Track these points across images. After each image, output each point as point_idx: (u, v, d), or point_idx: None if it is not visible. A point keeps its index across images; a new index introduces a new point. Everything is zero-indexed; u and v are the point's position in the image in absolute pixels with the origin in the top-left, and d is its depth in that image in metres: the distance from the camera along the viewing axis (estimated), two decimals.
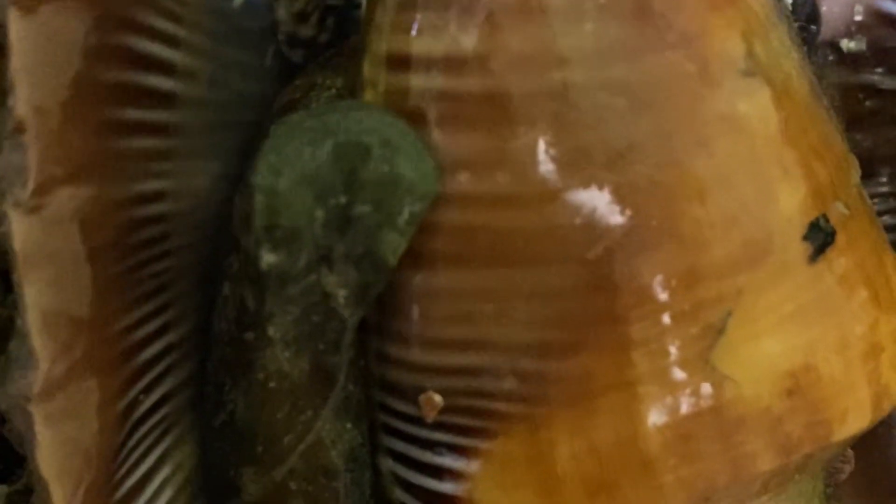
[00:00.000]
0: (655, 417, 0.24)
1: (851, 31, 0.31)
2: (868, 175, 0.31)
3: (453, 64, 0.24)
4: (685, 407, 0.25)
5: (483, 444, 0.25)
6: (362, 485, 0.26)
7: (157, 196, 0.26)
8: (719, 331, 0.25)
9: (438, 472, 0.26)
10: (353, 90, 0.26)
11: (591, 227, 0.24)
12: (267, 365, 0.24)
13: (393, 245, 0.23)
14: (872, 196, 0.31)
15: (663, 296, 0.24)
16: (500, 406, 0.25)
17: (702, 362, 0.25)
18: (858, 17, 0.31)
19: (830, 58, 0.32)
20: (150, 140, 0.25)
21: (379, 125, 0.23)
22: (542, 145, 0.24)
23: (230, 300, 0.25)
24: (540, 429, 0.25)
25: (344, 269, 0.23)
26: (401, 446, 0.26)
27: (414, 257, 0.25)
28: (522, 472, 0.25)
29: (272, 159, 0.23)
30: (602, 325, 0.24)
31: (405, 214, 0.23)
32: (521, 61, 0.24)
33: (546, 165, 0.24)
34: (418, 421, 0.26)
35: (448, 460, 0.26)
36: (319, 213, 0.23)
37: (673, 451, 0.25)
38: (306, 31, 0.29)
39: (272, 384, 0.24)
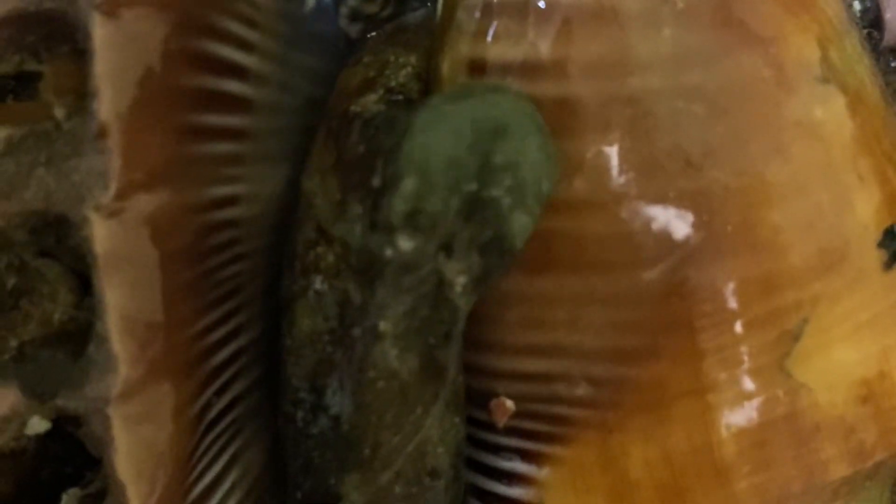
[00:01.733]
0: (730, 424, 0.24)
1: None
2: None
3: (531, 70, 0.25)
4: (760, 414, 0.25)
5: (554, 450, 0.25)
6: (461, 480, 0.26)
7: (231, 200, 0.26)
8: (795, 338, 0.24)
9: (508, 478, 0.26)
10: (427, 69, 0.26)
11: (667, 233, 0.24)
12: (377, 363, 0.24)
13: (523, 228, 0.23)
14: None
15: (739, 303, 0.24)
16: (573, 412, 0.25)
17: (777, 370, 0.24)
18: None
19: (894, 64, 0.32)
20: (224, 145, 0.25)
21: (513, 107, 0.23)
22: (618, 151, 0.24)
23: (327, 296, 0.24)
24: (613, 435, 0.25)
25: (466, 255, 0.23)
26: (471, 451, 0.26)
27: None
28: (594, 478, 0.25)
29: (421, 143, 0.22)
30: (677, 333, 0.24)
31: (535, 197, 0.23)
32: (597, 68, 0.24)
33: (622, 171, 0.24)
34: (489, 426, 0.26)
35: (518, 466, 0.26)
36: (455, 200, 0.22)
37: (747, 458, 0.24)
38: (371, 8, 0.29)
39: (381, 383, 0.24)
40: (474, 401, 0.26)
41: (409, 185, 0.22)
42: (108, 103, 0.22)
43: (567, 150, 0.24)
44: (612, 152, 0.24)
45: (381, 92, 0.25)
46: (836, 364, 0.25)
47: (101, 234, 0.23)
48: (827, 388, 0.25)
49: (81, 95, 0.23)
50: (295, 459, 0.26)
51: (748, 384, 0.24)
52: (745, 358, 0.24)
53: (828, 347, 0.25)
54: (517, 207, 0.22)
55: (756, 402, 0.24)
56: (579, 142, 0.24)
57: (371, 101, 0.25)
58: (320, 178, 0.24)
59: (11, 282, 0.25)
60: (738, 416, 0.24)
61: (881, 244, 0.25)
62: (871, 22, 0.31)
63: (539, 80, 0.24)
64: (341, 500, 0.25)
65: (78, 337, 0.24)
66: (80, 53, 0.23)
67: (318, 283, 0.25)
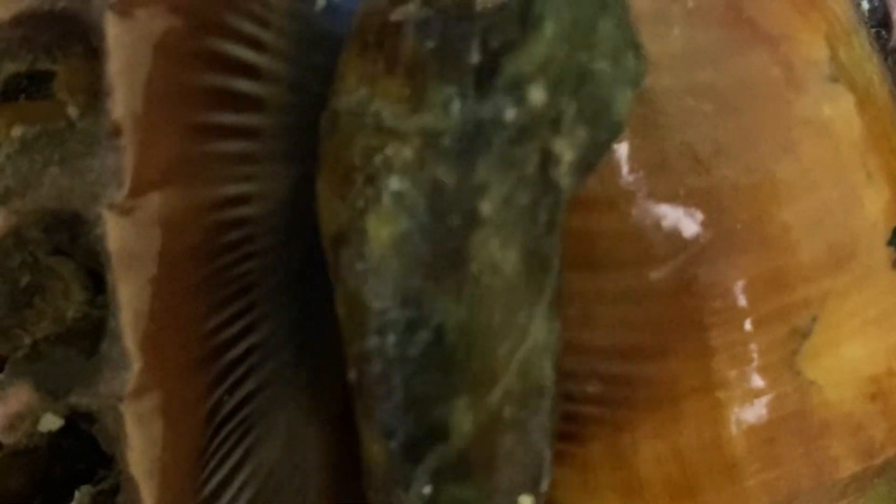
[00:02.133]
0: (740, 421, 0.25)
1: None
2: None
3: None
4: (769, 411, 0.25)
5: (566, 448, 0.25)
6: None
7: (244, 199, 0.26)
8: (805, 335, 0.25)
9: None
10: None
11: (677, 230, 0.24)
12: (478, 254, 0.22)
13: (626, 102, 0.21)
14: None
15: (749, 300, 0.24)
16: (584, 409, 0.25)
17: (786, 367, 0.25)
18: None
19: None
20: (237, 143, 0.25)
21: None
22: (628, 149, 0.24)
23: (410, 192, 0.22)
24: (623, 432, 0.25)
25: (572, 129, 0.21)
26: None
27: None
28: (605, 476, 0.25)
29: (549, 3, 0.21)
30: (687, 329, 0.24)
31: (636, 71, 0.22)
32: None
33: (632, 169, 0.24)
34: None
35: None
36: (573, 64, 0.21)
37: (757, 455, 0.25)
38: None
39: (485, 278, 0.22)
40: None
41: (549, 28, 0.21)
42: (121, 102, 0.23)
43: None
44: (623, 150, 0.24)
45: (418, 2, 0.24)
46: (845, 361, 0.25)
47: (115, 232, 0.23)
48: (836, 385, 0.25)
49: (95, 94, 0.24)
50: (387, 401, 0.23)
51: (758, 381, 0.25)
52: (755, 355, 0.25)
53: (837, 344, 0.25)
54: (621, 81, 0.21)
55: (765, 399, 0.25)
56: None
57: (411, 10, 0.24)
58: (369, 87, 0.23)
59: (25, 280, 0.25)
60: (748, 413, 0.25)
61: (891, 242, 0.25)
62: (880, 21, 0.32)
63: None
64: (450, 433, 0.22)
65: (91, 334, 0.24)
66: (94, 53, 0.24)
67: (396, 183, 0.22)
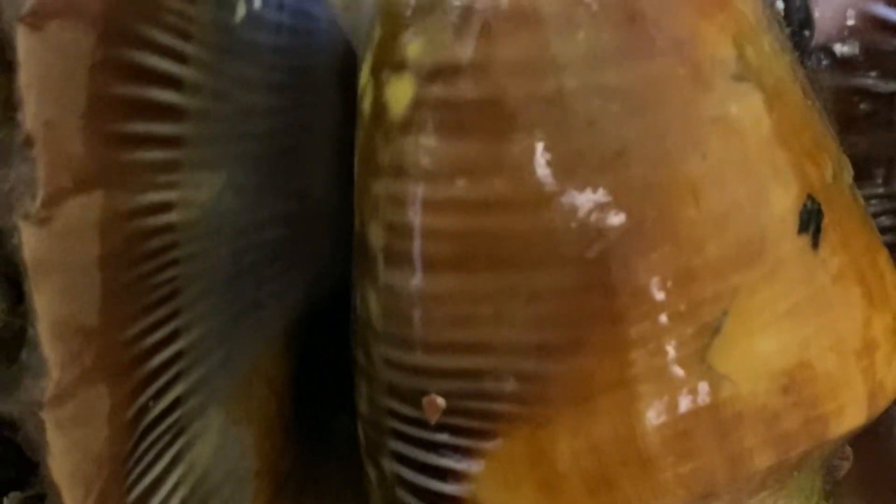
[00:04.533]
0: (653, 416, 0.25)
1: (844, 35, 0.32)
2: (863, 177, 0.32)
3: (451, 72, 0.25)
4: (683, 405, 0.25)
5: (485, 445, 0.26)
6: None
7: (165, 206, 0.26)
8: (715, 330, 0.25)
9: (442, 474, 0.26)
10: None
11: (588, 229, 0.25)
12: None
13: None
14: (868, 197, 0.32)
15: (660, 295, 0.25)
16: (502, 407, 0.25)
17: (698, 361, 0.25)
18: (851, 22, 0.32)
19: (824, 62, 0.32)
20: (157, 152, 0.26)
21: None
22: (537, 150, 0.25)
23: None
24: (541, 429, 0.25)
25: None
26: (405, 449, 0.27)
27: (414, 262, 0.25)
28: (524, 472, 0.26)
29: None
30: (600, 325, 0.25)
31: None
32: (516, 69, 0.25)
33: (542, 169, 0.25)
34: (421, 423, 0.26)
35: (451, 461, 0.26)
36: None
37: (671, 449, 0.25)
38: None
39: None
40: (407, 399, 0.26)
41: None
42: (32, 113, 0.23)
43: (488, 150, 0.25)
44: (532, 151, 0.25)
45: None
46: (757, 355, 0.25)
47: (30, 242, 0.23)
48: (749, 378, 0.25)
49: (10, 107, 0.24)
50: None
51: (671, 376, 0.25)
52: (668, 350, 0.25)
53: (748, 338, 0.25)
54: None
55: (678, 393, 0.25)
56: (500, 141, 0.25)
57: None
58: None
59: None
60: (661, 408, 0.25)
61: (801, 229, 0.26)
62: (802, 22, 0.32)
63: (460, 82, 0.25)
64: None
65: (12, 343, 0.25)
66: (8, 65, 0.24)
67: None
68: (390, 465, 0.27)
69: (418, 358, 0.26)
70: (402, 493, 0.27)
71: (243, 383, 0.30)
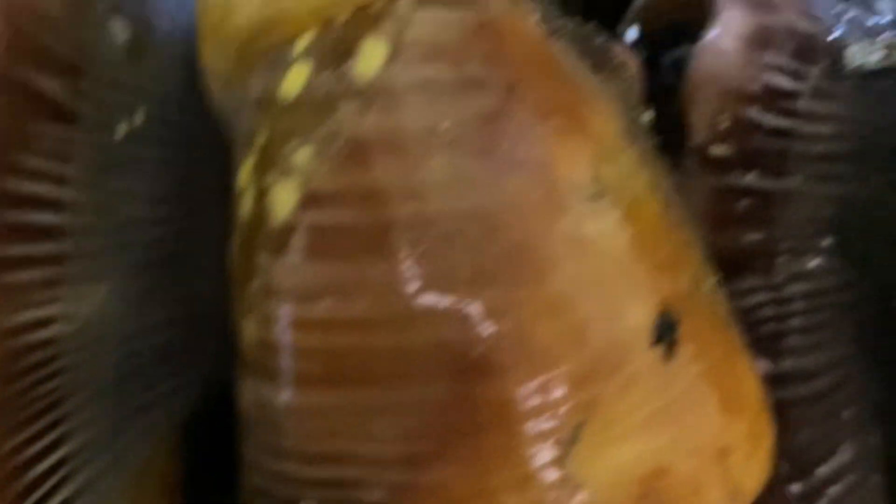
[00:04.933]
0: None
1: (718, 137, 0.33)
2: (744, 270, 0.33)
3: (315, 197, 0.26)
4: None
5: None
6: None
7: (47, 322, 0.27)
8: (574, 439, 0.26)
9: None
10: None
11: (450, 346, 0.26)
12: None
13: None
14: (749, 290, 0.33)
15: (520, 408, 0.26)
16: None
17: (558, 470, 0.26)
18: (725, 125, 0.33)
19: (700, 163, 0.33)
20: (35, 271, 0.27)
21: None
22: (398, 273, 0.26)
23: None
24: None
25: None
26: None
27: (284, 378, 0.26)
28: None
29: None
30: (462, 439, 0.26)
31: None
32: (377, 194, 0.26)
33: (402, 291, 0.26)
34: None
35: None
36: None
37: None
38: None
39: None
40: None
41: None
42: None
43: (351, 272, 0.26)
44: (393, 273, 0.26)
45: None
46: (614, 463, 0.26)
47: None
48: (606, 487, 0.26)
49: None
50: None
51: (531, 485, 0.26)
52: (526, 460, 0.26)
53: (606, 448, 0.26)
54: None
55: (539, 502, 0.26)
56: (363, 264, 0.26)
57: None
58: None
59: None
60: None
61: (655, 342, 0.27)
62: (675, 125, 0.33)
63: (324, 206, 0.26)
64: None
65: None
66: None
67: None
68: None
69: (291, 468, 0.27)
70: None
71: (134, 483, 0.30)
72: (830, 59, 0.32)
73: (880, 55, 0.33)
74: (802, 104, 0.33)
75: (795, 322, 0.33)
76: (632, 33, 0.35)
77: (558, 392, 0.26)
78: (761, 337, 0.33)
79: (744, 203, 0.33)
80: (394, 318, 0.26)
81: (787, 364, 0.33)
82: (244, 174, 0.28)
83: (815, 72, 0.33)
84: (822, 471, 0.33)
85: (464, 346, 0.26)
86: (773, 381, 0.32)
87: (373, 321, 0.26)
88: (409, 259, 0.26)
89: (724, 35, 0.33)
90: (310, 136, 0.27)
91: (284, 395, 0.26)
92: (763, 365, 0.33)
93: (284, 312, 0.26)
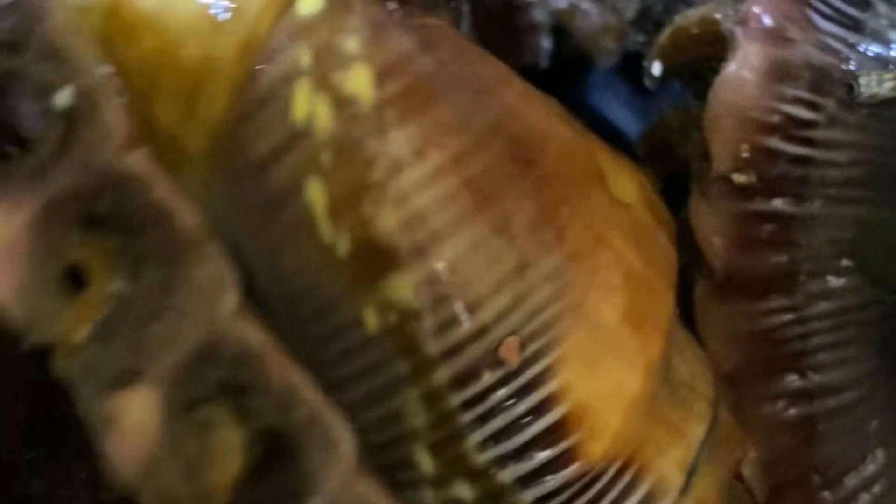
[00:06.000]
0: None
1: (740, 166, 0.35)
2: (771, 290, 0.35)
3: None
4: None
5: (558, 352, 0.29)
6: None
7: None
8: None
9: (539, 408, 0.29)
10: None
11: None
12: None
13: None
14: (776, 310, 0.34)
15: None
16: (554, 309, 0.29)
17: None
18: (745, 154, 0.34)
19: (724, 190, 0.35)
20: None
21: None
22: None
23: None
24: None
25: None
26: (492, 424, 0.29)
27: None
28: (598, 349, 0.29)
29: None
30: None
31: None
32: None
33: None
34: (497, 385, 0.29)
35: (538, 391, 0.29)
36: None
37: None
38: None
39: None
40: (474, 373, 0.29)
41: None
42: None
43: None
44: None
45: None
46: None
47: None
48: None
49: None
50: None
51: None
52: None
53: None
54: None
55: None
56: None
57: None
58: None
59: None
60: None
61: None
62: None
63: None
64: None
65: None
66: None
67: None
68: (481, 458, 0.29)
69: (468, 323, 0.29)
70: (503, 475, 0.29)
71: None
72: (845, 89, 0.34)
73: (892, 84, 0.34)
74: (820, 133, 0.34)
75: (820, 339, 0.35)
76: (655, 68, 0.37)
77: None
78: (787, 354, 0.34)
79: (767, 227, 0.35)
80: None
81: (814, 379, 0.34)
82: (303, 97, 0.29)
83: (830, 102, 0.34)
84: (852, 480, 0.34)
85: None
86: (801, 396, 0.34)
87: None
88: None
89: (743, 68, 0.34)
90: None
91: None
92: (791, 380, 0.34)
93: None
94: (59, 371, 0.21)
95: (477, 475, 0.29)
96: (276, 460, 0.23)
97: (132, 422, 0.21)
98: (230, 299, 0.24)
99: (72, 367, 0.21)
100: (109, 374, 0.22)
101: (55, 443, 0.22)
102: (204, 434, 0.23)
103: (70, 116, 0.23)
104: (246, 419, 0.23)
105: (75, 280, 0.23)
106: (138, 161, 0.23)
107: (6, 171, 0.22)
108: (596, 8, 0.39)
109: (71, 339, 0.22)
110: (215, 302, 0.23)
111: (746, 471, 0.34)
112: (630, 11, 0.40)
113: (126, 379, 0.22)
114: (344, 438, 0.24)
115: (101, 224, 0.23)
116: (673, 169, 0.36)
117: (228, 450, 0.23)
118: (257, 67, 0.29)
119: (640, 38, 0.40)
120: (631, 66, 0.41)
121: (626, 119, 0.41)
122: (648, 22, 0.39)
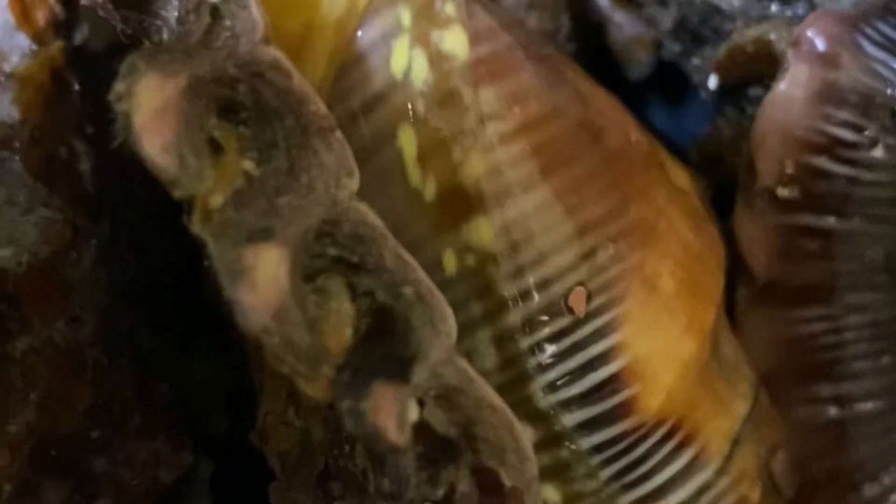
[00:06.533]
0: None
1: (784, 181, 0.37)
2: (808, 301, 0.36)
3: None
4: None
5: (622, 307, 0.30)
6: None
7: None
8: None
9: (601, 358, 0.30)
10: None
11: None
12: None
13: None
14: (812, 319, 0.36)
15: None
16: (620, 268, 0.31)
17: None
18: (789, 171, 0.36)
19: (768, 203, 0.37)
20: None
21: None
22: None
23: None
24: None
25: None
26: (561, 369, 0.30)
27: None
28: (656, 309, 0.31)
29: None
30: None
31: None
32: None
33: None
34: (564, 332, 0.30)
35: (602, 342, 0.30)
36: None
37: None
38: None
39: None
40: (544, 319, 0.31)
41: None
42: None
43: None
44: None
45: None
46: None
47: None
48: None
49: None
50: None
51: None
52: None
53: None
54: None
55: None
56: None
57: None
58: None
59: None
60: None
61: None
62: None
63: None
64: None
65: None
66: None
67: None
68: (544, 401, 0.30)
69: (541, 270, 0.30)
70: (564, 419, 0.30)
71: None
72: (889, 112, 0.36)
73: None
74: (863, 154, 0.36)
75: (854, 349, 0.36)
76: (712, 82, 0.39)
77: None
78: (822, 362, 0.36)
79: (808, 240, 0.36)
80: None
81: (846, 387, 0.36)
82: (401, 54, 0.31)
83: (874, 125, 0.36)
84: (881, 484, 0.35)
85: None
86: (833, 402, 0.35)
87: None
88: None
89: (792, 87, 0.36)
90: None
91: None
92: (824, 386, 0.36)
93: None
94: (196, 229, 0.23)
95: (540, 418, 0.30)
96: (385, 333, 0.24)
97: (266, 272, 0.22)
98: (353, 183, 0.25)
99: (208, 227, 0.23)
100: (244, 232, 0.23)
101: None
102: (322, 300, 0.24)
103: (218, 11, 0.25)
104: (358, 295, 0.25)
105: (216, 150, 0.24)
106: (279, 52, 0.25)
107: (162, 49, 0.24)
108: (629, 20, 0.41)
109: (209, 203, 0.23)
110: (339, 183, 0.25)
111: (777, 467, 0.35)
112: (667, 22, 0.41)
113: (259, 237, 0.23)
114: (448, 316, 0.25)
115: (238, 112, 0.25)
116: (722, 179, 0.38)
117: (343, 318, 0.24)
118: (358, 32, 0.31)
119: (676, 47, 0.42)
120: (665, 74, 0.43)
121: (660, 125, 0.43)
122: (685, 32, 0.41)
